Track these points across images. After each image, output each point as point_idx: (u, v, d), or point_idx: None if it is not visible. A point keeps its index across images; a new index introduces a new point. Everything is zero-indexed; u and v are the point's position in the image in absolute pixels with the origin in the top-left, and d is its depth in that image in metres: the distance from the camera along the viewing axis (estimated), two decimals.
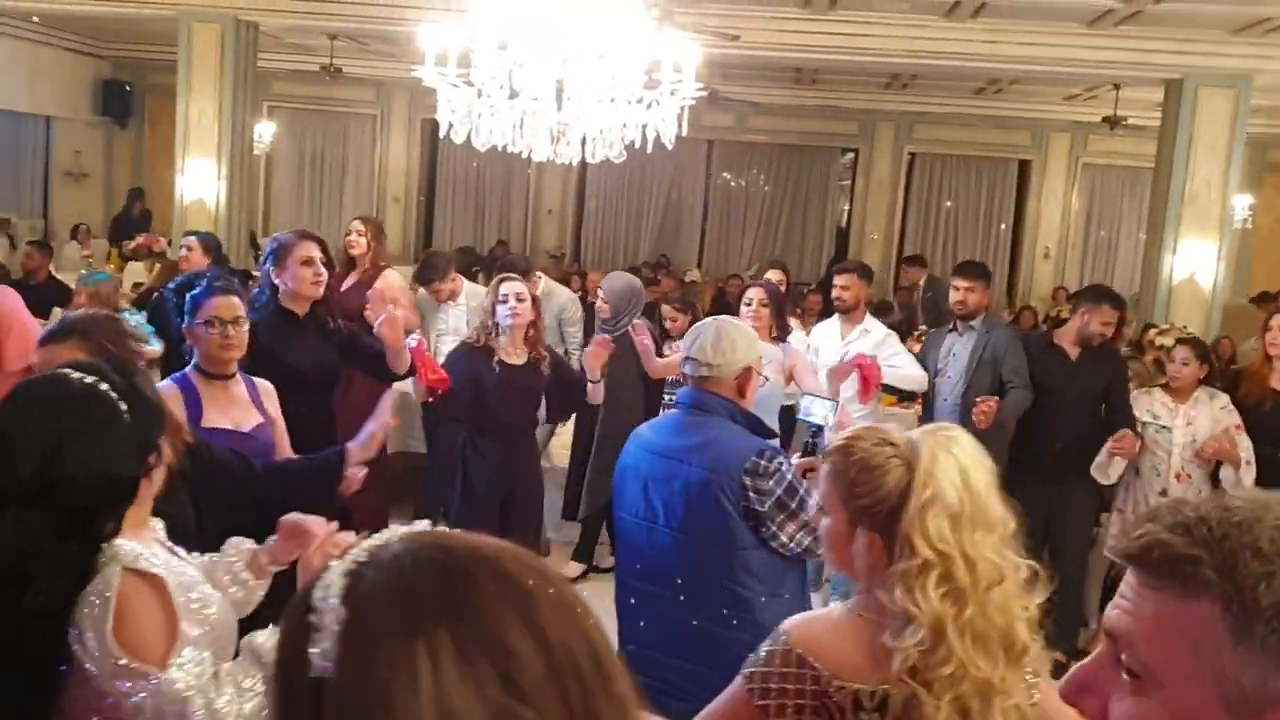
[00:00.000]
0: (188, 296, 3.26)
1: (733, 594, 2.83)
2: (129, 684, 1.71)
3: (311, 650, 0.80)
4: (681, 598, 2.88)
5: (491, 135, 4.47)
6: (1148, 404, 5.35)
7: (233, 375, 3.26)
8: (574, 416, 5.86)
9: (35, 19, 12.64)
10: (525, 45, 4.28)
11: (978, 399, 5.17)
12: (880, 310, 10.40)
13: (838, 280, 5.75)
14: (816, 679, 1.75)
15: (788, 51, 9.76)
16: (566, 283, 10.17)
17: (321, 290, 4.17)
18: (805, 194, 15.57)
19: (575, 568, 6.10)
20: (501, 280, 4.64)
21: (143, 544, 1.87)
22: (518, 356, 4.57)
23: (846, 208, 15.79)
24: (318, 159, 15.96)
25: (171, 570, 1.87)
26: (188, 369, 3.25)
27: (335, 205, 15.69)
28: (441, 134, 4.46)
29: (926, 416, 5.65)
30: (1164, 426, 5.27)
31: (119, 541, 1.82)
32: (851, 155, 15.50)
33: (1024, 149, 14.92)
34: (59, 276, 8.54)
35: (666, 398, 5.88)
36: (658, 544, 2.94)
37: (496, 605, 0.81)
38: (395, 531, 0.88)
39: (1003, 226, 15.39)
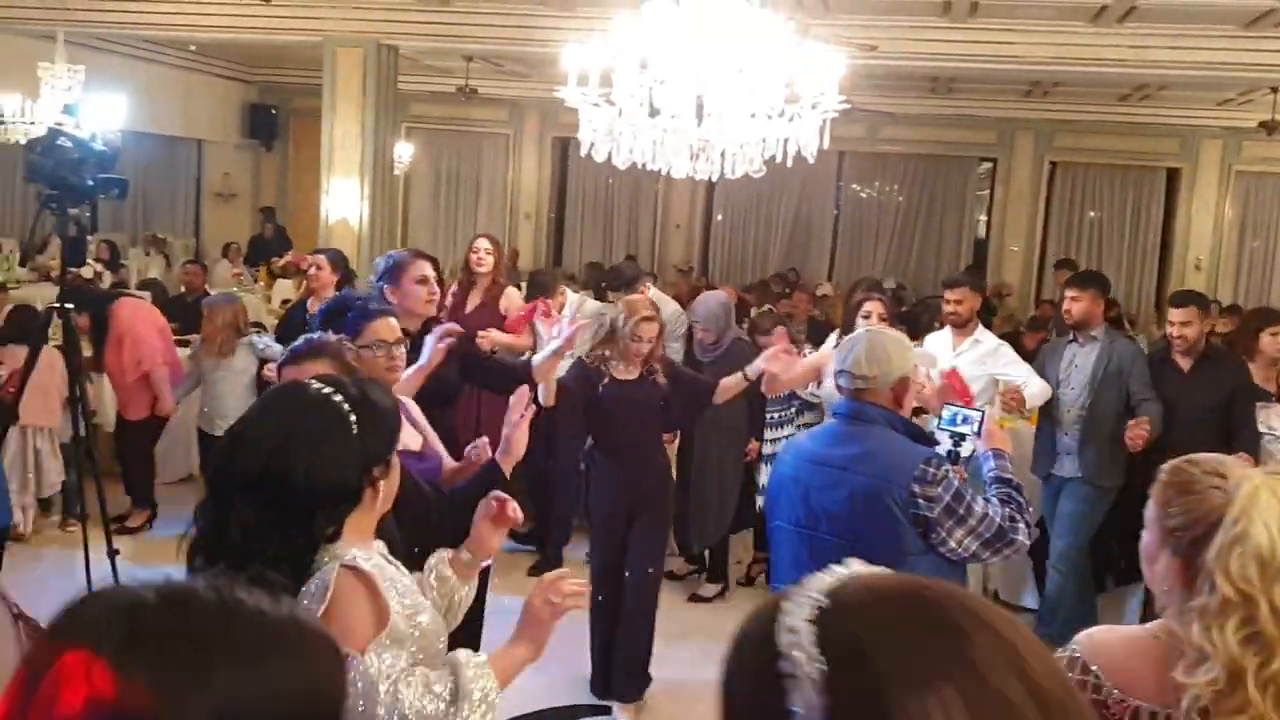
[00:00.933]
0: (348, 317, 3.21)
1: None
2: None
3: (791, 701, 0.78)
4: None
5: (631, 153, 4.47)
6: (1265, 416, 5.20)
7: None
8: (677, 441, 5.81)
9: (193, 48, 13.27)
10: (665, 63, 4.27)
11: (1130, 421, 5.12)
12: (1034, 325, 10.11)
13: (950, 295, 5.62)
14: (1098, 688, 1.72)
15: (926, 61, 9.57)
16: (695, 296, 10.15)
17: (435, 309, 4.18)
18: (941, 205, 15.22)
19: (712, 587, 6.06)
20: (641, 321, 4.49)
21: (364, 552, 1.95)
22: (629, 372, 4.56)
23: (984, 218, 15.39)
24: (453, 178, 16.32)
25: (387, 577, 1.94)
26: None
27: (470, 223, 16.00)
28: (582, 153, 4.48)
29: (1048, 427, 5.55)
30: (1278, 437, 5.12)
31: (342, 544, 1.91)
32: (989, 165, 15.10)
33: (1172, 156, 14.28)
34: (212, 293, 8.96)
35: (769, 416, 5.79)
36: (820, 552, 2.92)
37: (990, 657, 0.79)
38: (842, 573, 0.87)
39: (1151, 237, 14.78)
